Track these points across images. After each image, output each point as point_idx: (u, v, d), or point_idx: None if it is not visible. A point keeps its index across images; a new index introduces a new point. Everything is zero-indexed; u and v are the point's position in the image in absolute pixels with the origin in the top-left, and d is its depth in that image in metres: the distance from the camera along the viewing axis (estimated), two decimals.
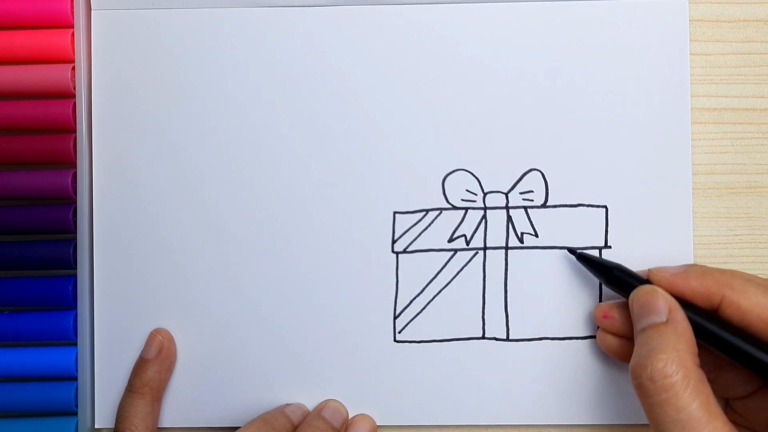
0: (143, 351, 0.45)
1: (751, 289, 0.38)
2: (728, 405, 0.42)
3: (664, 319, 0.37)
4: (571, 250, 0.44)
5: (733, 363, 0.38)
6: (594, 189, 0.44)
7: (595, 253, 0.44)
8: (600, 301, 0.44)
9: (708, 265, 0.41)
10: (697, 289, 0.39)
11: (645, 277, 0.41)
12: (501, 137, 0.45)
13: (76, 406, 0.45)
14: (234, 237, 0.45)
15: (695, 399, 0.35)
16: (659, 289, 0.39)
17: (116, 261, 0.45)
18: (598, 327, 0.42)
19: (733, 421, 0.38)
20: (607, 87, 0.44)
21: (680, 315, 0.38)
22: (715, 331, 0.38)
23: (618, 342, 0.42)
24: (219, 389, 0.45)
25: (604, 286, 0.44)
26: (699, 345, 0.38)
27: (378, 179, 0.45)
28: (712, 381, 0.41)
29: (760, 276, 0.39)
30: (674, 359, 0.35)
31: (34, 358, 0.45)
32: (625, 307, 0.41)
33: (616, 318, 0.42)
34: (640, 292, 0.39)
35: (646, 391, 0.36)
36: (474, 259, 0.45)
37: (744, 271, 0.44)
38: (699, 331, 0.38)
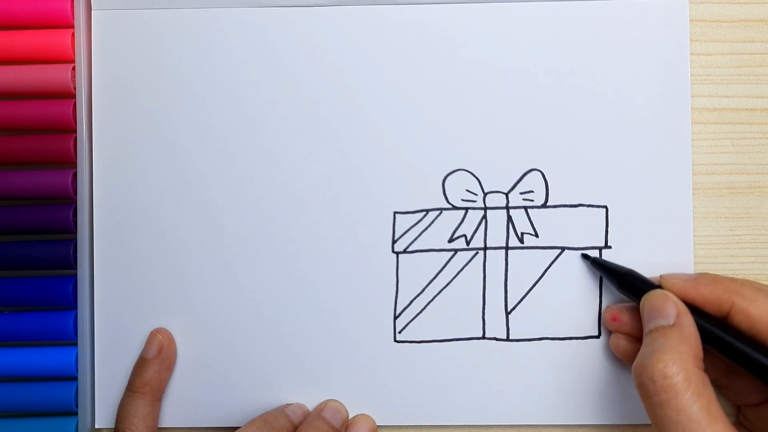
0: (143, 351, 0.45)
1: (760, 298, 0.38)
2: (740, 412, 0.42)
3: (671, 322, 0.38)
4: (585, 256, 0.44)
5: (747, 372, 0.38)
6: (594, 189, 0.44)
7: (595, 253, 0.44)
8: (600, 301, 0.44)
9: (719, 274, 0.41)
10: (707, 296, 0.39)
11: (657, 283, 0.41)
12: (501, 137, 0.45)
13: (77, 406, 0.45)
14: (234, 237, 0.45)
15: (696, 401, 0.35)
16: (670, 294, 0.40)
17: (116, 261, 0.45)
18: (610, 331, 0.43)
19: (745, 428, 0.39)
20: (607, 87, 0.44)
21: (688, 319, 0.38)
22: (724, 338, 0.38)
23: (628, 345, 0.42)
24: (219, 389, 0.45)
25: (603, 286, 0.44)
26: (709, 351, 0.38)
27: (378, 179, 0.45)
28: (724, 387, 0.41)
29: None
30: (676, 361, 0.36)
31: (34, 358, 0.45)
32: (635, 311, 0.42)
33: (625, 321, 0.42)
34: (651, 296, 0.40)
35: (646, 391, 0.36)
36: (474, 259, 0.45)
37: (743, 270, 0.45)
38: (708, 338, 0.38)
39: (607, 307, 0.43)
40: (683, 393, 0.35)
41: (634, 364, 0.37)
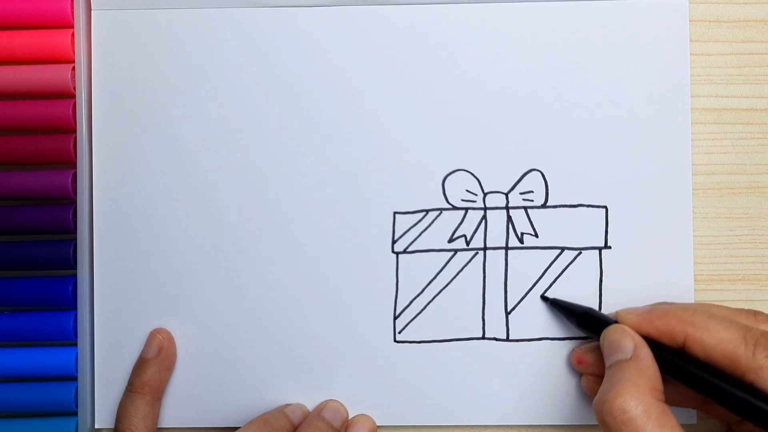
0: (143, 351, 0.45)
1: (712, 325, 0.38)
2: (730, 429, 0.42)
3: (629, 356, 0.38)
4: (544, 298, 0.44)
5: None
6: (594, 189, 0.44)
7: (595, 253, 0.44)
8: (600, 301, 0.44)
9: (674, 302, 0.42)
10: (661, 328, 0.39)
11: (614, 319, 0.41)
12: (501, 137, 0.45)
13: (76, 406, 0.45)
14: (234, 237, 0.45)
15: None
16: (627, 328, 0.40)
17: (116, 261, 0.45)
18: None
19: None
20: (607, 87, 0.44)
21: (645, 352, 0.38)
22: (682, 367, 0.38)
23: (597, 385, 0.41)
24: (219, 389, 0.45)
25: (604, 287, 0.44)
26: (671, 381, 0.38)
27: (378, 179, 0.45)
28: (707, 410, 0.41)
29: (724, 306, 0.40)
30: (633, 394, 0.36)
31: (34, 358, 0.45)
32: (597, 350, 0.42)
33: (591, 362, 0.43)
34: (609, 331, 0.40)
35: (608, 428, 0.36)
36: (474, 259, 0.45)
37: (743, 270, 0.45)
38: (668, 368, 0.38)
39: (572, 350, 0.44)
40: (644, 426, 0.35)
41: (594, 400, 0.37)
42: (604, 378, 0.38)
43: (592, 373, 0.43)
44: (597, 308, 0.44)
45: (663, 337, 0.39)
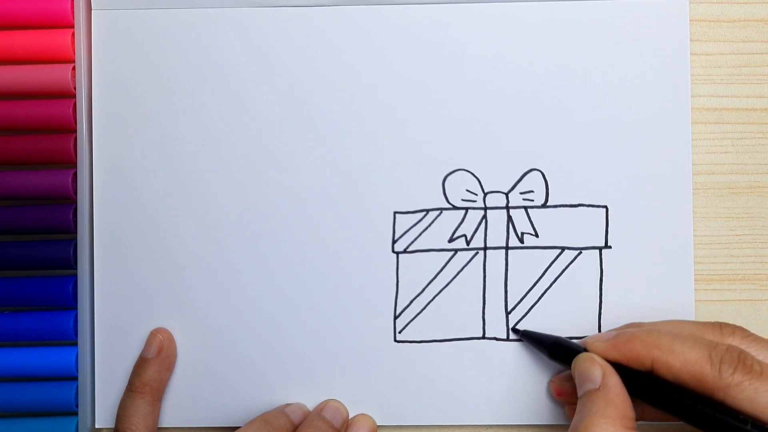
0: (143, 351, 0.45)
1: (677, 347, 0.37)
2: None
3: (597, 386, 0.38)
4: (515, 330, 0.44)
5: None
6: (594, 189, 0.44)
7: (595, 253, 0.44)
8: (600, 301, 0.44)
9: (641, 324, 0.42)
10: (628, 354, 0.39)
11: (582, 347, 0.41)
12: (501, 137, 0.45)
13: (77, 406, 0.45)
14: (234, 237, 0.45)
15: None
16: (595, 356, 0.40)
17: (116, 261, 0.45)
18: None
19: None
20: (607, 87, 0.44)
21: (613, 380, 0.38)
22: (651, 392, 0.38)
23: None
24: (219, 389, 0.45)
25: (604, 287, 0.44)
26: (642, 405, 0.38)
27: (378, 179, 0.45)
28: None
29: (690, 322, 0.40)
30: (602, 427, 0.36)
31: (34, 358, 0.45)
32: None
33: (569, 390, 0.43)
34: (578, 361, 0.40)
35: None
36: (474, 259, 0.45)
37: (743, 271, 0.45)
38: (638, 393, 0.38)
39: (550, 380, 0.44)
40: None
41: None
42: (576, 408, 0.38)
43: (573, 402, 0.42)
44: (598, 309, 0.44)
45: (630, 362, 0.39)
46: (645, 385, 0.38)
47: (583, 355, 0.40)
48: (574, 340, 0.42)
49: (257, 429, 0.42)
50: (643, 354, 0.38)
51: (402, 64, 0.45)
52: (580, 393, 0.39)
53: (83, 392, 0.45)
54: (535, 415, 0.44)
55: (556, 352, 0.42)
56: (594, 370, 0.39)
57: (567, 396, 0.43)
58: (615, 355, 0.39)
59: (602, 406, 0.37)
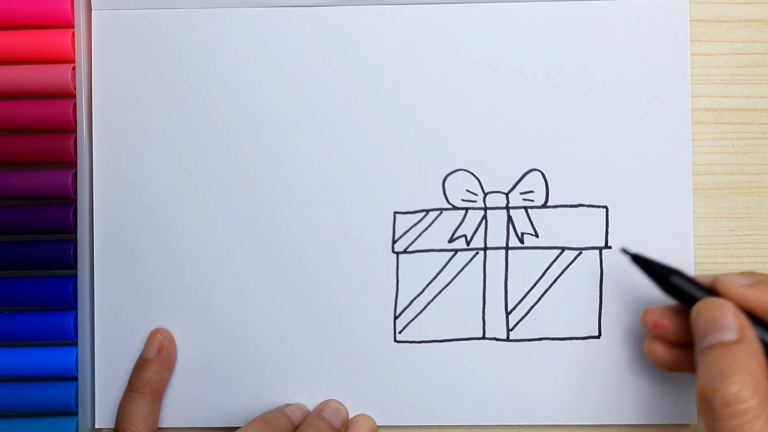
0: (143, 351, 0.45)
1: None
2: None
3: (736, 338, 0.35)
4: (625, 251, 0.41)
5: None
6: (594, 189, 0.44)
7: (595, 253, 0.44)
8: (600, 301, 0.44)
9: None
10: None
11: (708, 286, 0.38)
12: (501, 137, 0.45)
13: (77, 406, 0.45)
14: (234, 237, 0.45)
15: None
16: (729, 304, 0.36)
17: (116, 261, 0.45)
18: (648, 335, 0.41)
19: None
20: (607, 87, 0.44)
21: (752, 334, 0.35)
22: None
23: (666, 352, 0.40)
24: (219, 389, 0.45)
25: (604, 286, 0.44)
26: None
27: (378, 179, 0.45)
28: None
29: None
30: (750, 384, 0.33)
31: (34, 358, 0.45)
32: (678, 314, 0.39)
33: (668, 327, 0.39)
34: (706, 306, 0.37)
35: (716, 416, 0.33)
36: (474, 259, 0.45)
37: (742, 269, 0.44)
38: None
39: (647, 309, 0.40)
40: (757, 418, 0.33)
41: (699, 385, 0.34)
42: (704, 359, 0.35)
43: (667, 339, 0.39)
44: (598, 309, 0.44)
45: None
46: None
47: (714, 300, 0.37)
48: (701, 275, 0.39)
49: (257, 429, 0.42)
50: None
51: (402, 64, 0.45)
52: (708, 342, 0.35)
53: (83, 392, 0.45)
54: (535, 415, 0.44)
55: (673, 286, 0.38)
56: (729, 319, 0.35)
57: (664, 329, 0.39)
58: (752, 302, 0.36)
59: (746, 362, 0.34)
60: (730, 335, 0.35)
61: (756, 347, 0.35)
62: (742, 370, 0.34)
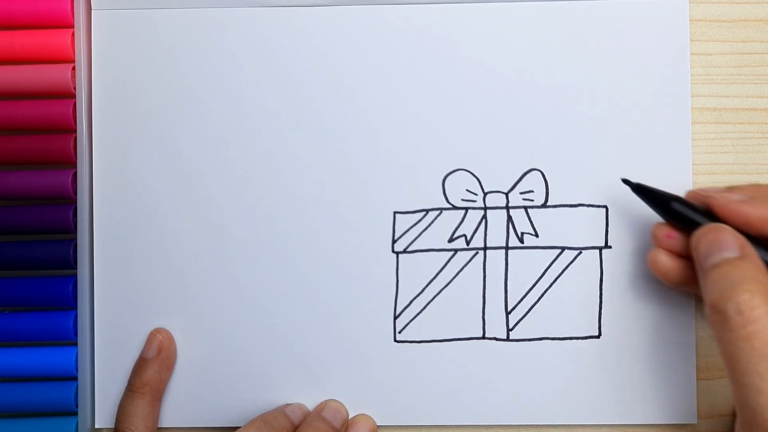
0: (143, 351, 0.45)
1: None
2: None
3: (738, 254, 0.36)
4: (627, 181, 0.42)
5: None
6: (594, 189, 0.44)
7: (595, 253, 0.44)
8: (600, 301, 0.44)
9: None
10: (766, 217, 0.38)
11: (703, 206, 0.40)
12: (501, 137, 0.45)
13: (76, 406, 0.45)
14: (234, 237, 0.45)
15: None
16: (727, 227, 0.38)
17: (116, 261, 0.45)
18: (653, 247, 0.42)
19: None
20: (607, 87, 0.44)
21: (752, 251, 0.37)
22: None
23: (669, 262, 0.41)
24: (219, 389, 0.45)
25: (603, 286, 0.44)
26: None
27: (378, 179, 0.45)
28: None
29: None
30: (760, 291, 0.34)
31: (34, 358, 0.45)
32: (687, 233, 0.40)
33: (677, 238, 0.40)
34: (706, 229, 0.38)
35: (731, 325, 0.34)
36: (474, 259, 0.45)
37: None
38: None
39: (656, 224, 0.41)
40: (765, 327, 0.34)
41: (709, 298, 0.36)
42: (711, 277, 0.36)
43: (676, 250, 0.40)
44: (598, 309, 0.44)
45: (767, 227, 0.37)
46: None
47: (712, 225, 0.38)
48: (693, 191, 0.41)
49: (257, 429, 0.42)
50: None
51: (402, 64, 0.45)
52: (713, 260, 0.37)
53: (83, 392, 0.45)
54: (535, 415, 0.44)
55: (674, 212, 0.40)
56: (730, 239, 0.37)
57: (674, 241, 0.40)
58: (748, 217, 0.38)
59: (754, 273, 0.35)
60: (733, 253, 0.37)
61: (759, 262, 0.36)
62: (751, 279, 0.35)
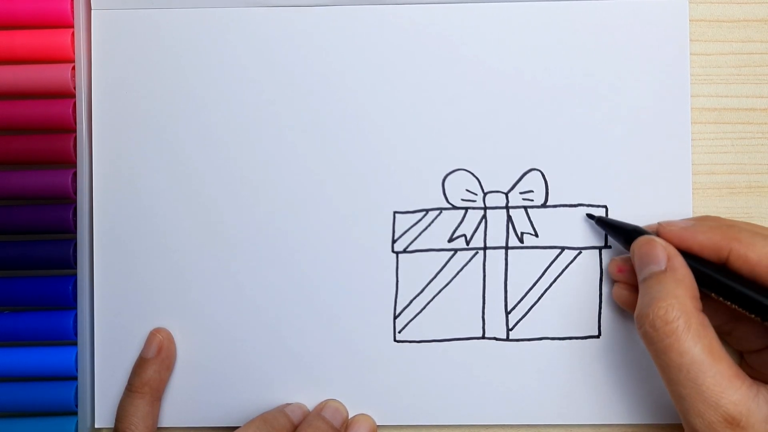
0: (143, 350, 0.45)
1: (758, 241, 0.38)
2: (743, 359, 0.42)
3: (663, 267, 0.38)
4: (590, 216, 0.44)
5: (748, 316, 0.38)
6: (594, 189, 0.44)
7: (595, 253, 0.44)
8: (600, 301, 0.44)
9: (719, 218, 0.41)
10: (705, 243, 0.39)
11: (654, 232, 0.41)
12: (501, 137, 0.45)
13: (76, 406, 0.45)
14: (234, 237, 0.45)
15: (698, 343, 0.36)
16: (656, 238, 0.40)
17: (116, 261, 0.45)
18: (614, 282, 0.43)
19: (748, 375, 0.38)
20: (607, 87, 0.44)
21: (679, 261, 0.38)
22: (724, 282, 0.38)
23: (629, 294, 0.42)
24: (219, 389, 0.45)
25: (603, 286, 0.44)
26: (711, 298, 0.39)
27: (378, 179, 0.45)
28: (726, 333, 0.42)
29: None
30: (674, 305, 0.36)
31: (34, 358, 0.45)
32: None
33: (628, 270, 0.42)
34: (639, 243, 0.40)
35: (650, 339, 0.37)
36: (474, 258, 0.45)
37: None
38: (708, 283, 0.39)
39: (611, 259, 0.43)
40: (684, 336, 0.36)
41: (635, 313, 0.38)
42: (640, 292, 0.38)
43: (626, 282, 0.42)
44: (598, 309, 0.44)
45: (705, 251, 0.39)
46: (717, 275, 0.38)
47: (644, 238, 0.40)
48: (653, 224, 0.42)
49: (257, 429, 0.42)
50: (721, 244, 0.38)
51: (402, 64, 0.45)
52: (643, 275, 0.39)
53: (83, 392, 0.45)
54: (535, 415, 0.44)
55: (630, 237, 0.41)
56: (658, 252, 0.39)
57: (625, 274, 0.42)
58: (689, 243, 0.39)
59: (672, 287, 0.37)
60: (658, 266, 0.39)
61: (683, 273, 0.38)
62: (668, 294, 0.37)
